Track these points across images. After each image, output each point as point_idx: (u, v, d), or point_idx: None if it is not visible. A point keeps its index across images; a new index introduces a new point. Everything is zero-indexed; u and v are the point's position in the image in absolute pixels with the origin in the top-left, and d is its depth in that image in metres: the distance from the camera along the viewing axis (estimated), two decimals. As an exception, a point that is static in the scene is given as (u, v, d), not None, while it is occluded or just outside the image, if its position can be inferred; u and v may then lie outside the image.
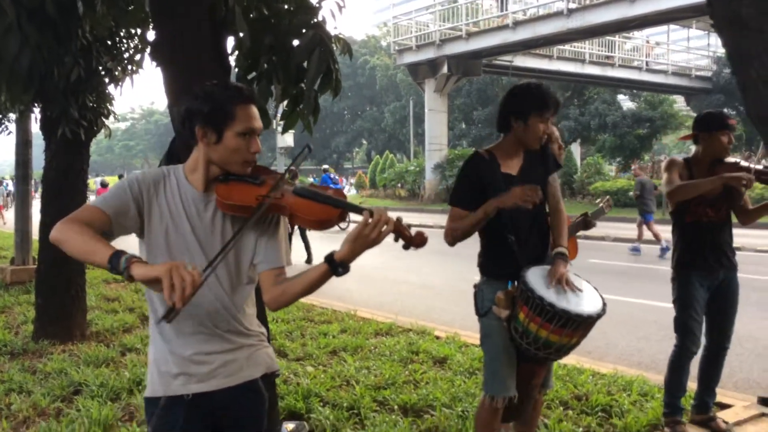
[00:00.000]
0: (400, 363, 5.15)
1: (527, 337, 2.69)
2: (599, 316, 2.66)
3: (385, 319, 6.78)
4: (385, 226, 1.80)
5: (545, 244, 3.01)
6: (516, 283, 2.77)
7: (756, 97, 1.41)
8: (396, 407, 4.19)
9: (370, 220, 1.79)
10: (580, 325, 2.63)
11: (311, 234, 12.20)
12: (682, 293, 3.73)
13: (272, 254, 1.97)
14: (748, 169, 3.61)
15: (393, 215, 1.87)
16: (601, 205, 4.03)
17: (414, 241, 1.88)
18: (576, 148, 35.54)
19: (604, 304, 2.72)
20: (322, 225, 1.91)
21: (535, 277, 2.75)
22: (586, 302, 2.69)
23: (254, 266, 1.99)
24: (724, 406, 4.21)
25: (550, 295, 2.64)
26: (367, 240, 1.81)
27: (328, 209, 1.89)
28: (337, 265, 1.84)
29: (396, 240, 1.89)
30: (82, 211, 1.83)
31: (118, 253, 1.66)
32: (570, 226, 3.45)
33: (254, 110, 1.93)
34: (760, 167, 3.66)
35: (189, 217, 1.93)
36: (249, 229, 1.91)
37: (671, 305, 3.84)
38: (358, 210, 1.85)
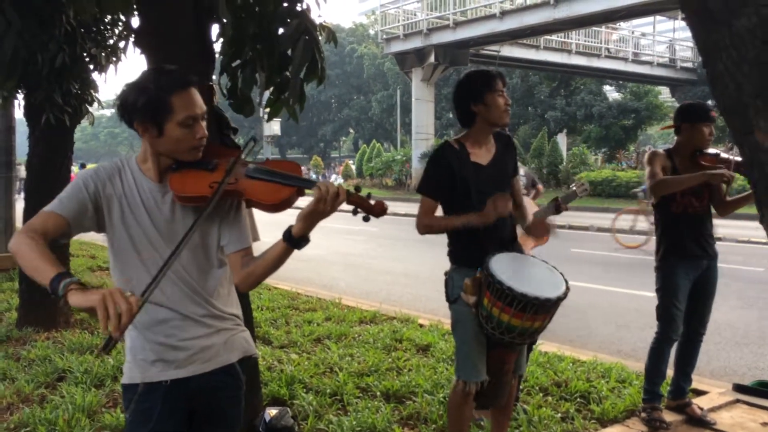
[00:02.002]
0: (383, 350, 5.20)
1: (491, 322, 2.75)
2: (559, 299, 2.70)
3: (370, 308, 6.82)
4: (337, 198, 1.78)
5: (513, 232, 3.10)
6: (482, 269, 2.83)
7: (723, 90, 1.45)
8: (379, 393, 4.24)
9: (321, 195, 1.77)
10: (540, 308, 2.67)
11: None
12: (667, 282, 3.79)
13: (236, 236, 1.95)
14: (728, 161, 3.68)
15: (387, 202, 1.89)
16: (573, 188, 4.03)
17: (374, 210, 1.86)
18: (562, 139, 35.72)
19: (567, 289, 2.76)
20: (279, 208, 1.86)
21: (499, 262, 2.80)
22: (547, 286, 2.74)
23: (222, 248, 1.97)
24: (700, 393, 4.30)
25: (510, 279, 2.68)
26: (322, 214, 1.79)
27: (283, 189, 1.85)
28: (296, 241, 1.83)
29: (354, 213, 1.87)
30: (38, 218, 1.77)
31: (59, 277, 1.60)
32: (541, 210, 3.52)
33: (193, 94, 1.83)
34: (739, 159, 3.71)
35: (148, 210, 1.89)
36: (204, 219, 1.84)
37: (652, 294, 3.91)
38: (310, 185, 1.83)
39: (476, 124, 2.98)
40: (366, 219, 1.87)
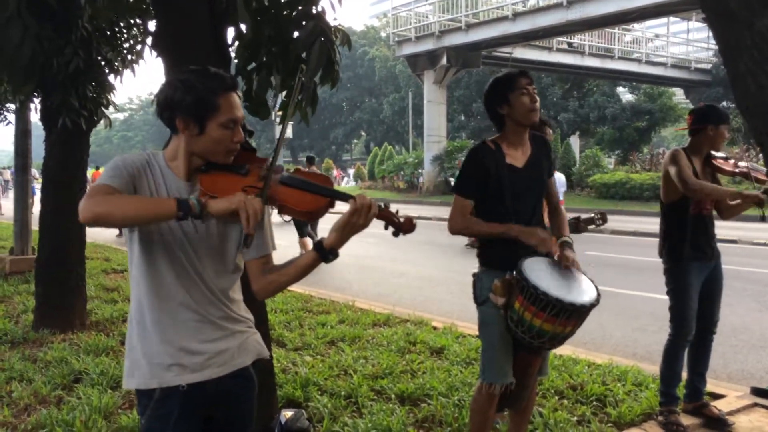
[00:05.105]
0: (397, 353, 5.20)
1: (522, 326, 2.73)
2: (592, 305, 2.69)
3: (383, 310, 6.81)
4: (370, 211, 1.82)
5: None
6: (513, 272, 2.81)
7: (744, 90, 1.44)
8: (393, 396, 4.23)
9: (356, 208, 1.81)
10: (573, 314, 2.66)
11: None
12: (681, 283, 3.79)
13: (258, 242, 1.95)
14: (742, 169, 3.79)
15: (393, 208, 1.91)
16: (593, 215, 4.08)
17: (403, 227, 1.90)
18: (575, 141, 35.58)
19: (598, 295, 2.75)
20: (312, 215, 1.90)
21: (532, 266, 2.78)
22: (580, 292, 2.73)
23: (241, 254, 1.98)
24: (717, 396, 4.25)
25: (544, 284, 2.67)
26: (355, 227, 1.84)
27: (318, 199, 1.88)
28: (327, 253, 1.86)
29: (386, 228, 1.91)
30: (98, 189, 1.74)
31: (184, 199, 1.69)
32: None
33: (236, 98, 1.88)
34: (744, 163, 3.86)
35: None
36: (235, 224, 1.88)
37: (667, 296, 3.89)
38: (345, 198, 1.86)
39: (506, 126, 2.97)
40: (395, 234, 1.92)
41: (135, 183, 1.84)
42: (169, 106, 1.85)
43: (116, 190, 1.75)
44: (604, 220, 4.11)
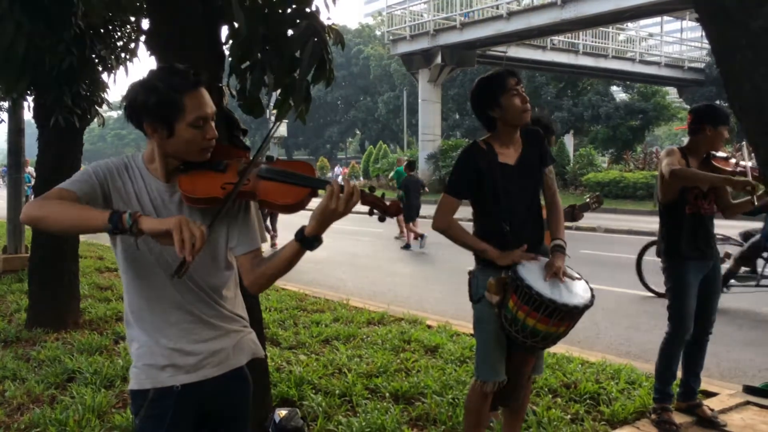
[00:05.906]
0: (391, 351, 5.20)
1: (515, 325, 2.74)
2: (586, 307, 2.70)
3: (378, 309, 6.81)
4: (352, 198, 1.76)
5: (540, 233, 3.06)
6: (509, 271, 2.82)
7: (738, 90, 1.44)
8: (387, 395, 4.23)
9: (334, 194, 1.74)
10: (567, 315, 2.67)
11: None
12: (679, 282, 3.79)
13: (246, 237, 1.94)
14: (738, 165, 3.76)
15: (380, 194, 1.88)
16: (587, 200, 4.07)
17: (390, 210, 1.85)
18: (569, 140, 35.57)
19: (593, 296, 2.76)
20: (293, 208, 1.84)
21: (527, 266, 2.79)
22: (574, 293, 2.74)
23: (231, 250, 1.95)
24: (710, 395, 4.27)
25: (539, 284, 2.68)
26: (334, 213, 1.76)
27: (298, 190, 1.82)
28: (309, 241, 1.81)
29: (371, 213, 1.86)
30: (52, 192, 1.71)
31: (118, 212, 1.60)
32: None
33: (204, 94, 1.80)
34: (746, 163, 3.81)
35: (156, 209, 1.85)
36: (218, 220, 1.82)
37: (666, 295, 3.90)
38: (323, 184, 1.81)
39: (497, 127, 2.96)
40: (381, 219, 1.86)
41: (106, 188, 1.81)
42: (135, 110, 1.80)
43: (72, 194, 1.72)
44: (600, 203, 4.09)
